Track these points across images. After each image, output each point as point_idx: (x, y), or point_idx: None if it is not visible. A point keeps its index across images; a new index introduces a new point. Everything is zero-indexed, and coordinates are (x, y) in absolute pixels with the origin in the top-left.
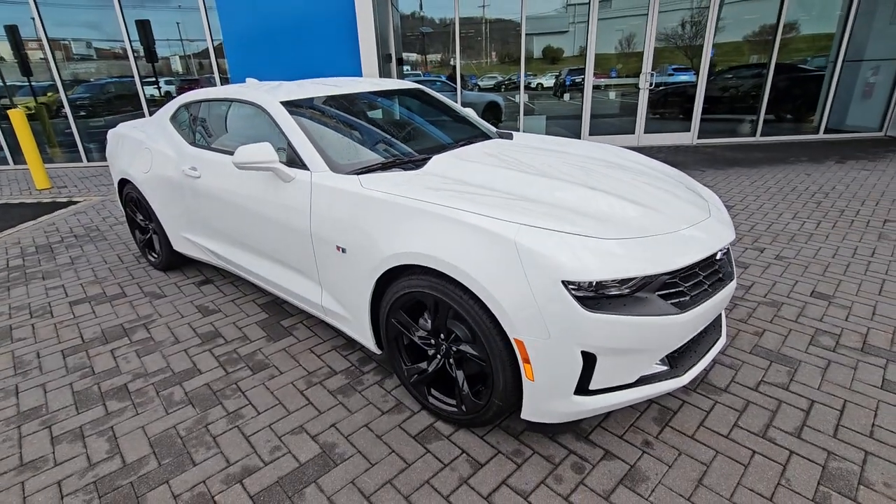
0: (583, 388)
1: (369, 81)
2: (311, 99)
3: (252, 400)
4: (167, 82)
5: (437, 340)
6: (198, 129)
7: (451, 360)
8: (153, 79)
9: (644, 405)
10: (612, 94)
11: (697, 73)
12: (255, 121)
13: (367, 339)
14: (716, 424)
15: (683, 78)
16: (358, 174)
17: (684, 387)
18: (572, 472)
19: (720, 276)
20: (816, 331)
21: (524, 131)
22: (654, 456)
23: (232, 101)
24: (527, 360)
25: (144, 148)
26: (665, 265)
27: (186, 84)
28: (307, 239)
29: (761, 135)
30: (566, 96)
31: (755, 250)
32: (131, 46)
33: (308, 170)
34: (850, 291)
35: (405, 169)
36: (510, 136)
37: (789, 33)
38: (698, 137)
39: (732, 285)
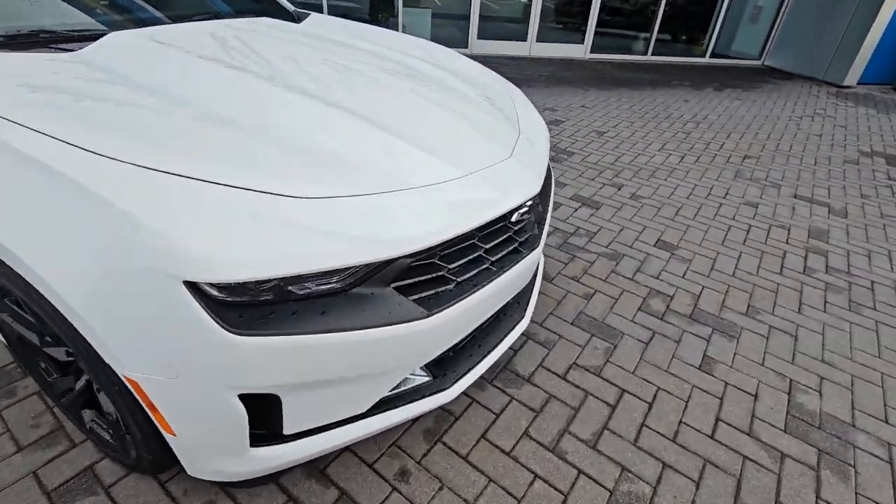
0: (273, 436)
1: None
2: None
3: None
4: None
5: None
6: None
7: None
8: None
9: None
10: None
11: None
12: None
13: None
14: (498, 438)
15: None
16: None
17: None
18: None
19: (517, 244)
20: (650, 291)
21: (404, 26)
22: (404, 495)
23: None
24: (153, 408)
25: None
26: (406, 242)
27: None
28: None
29: (653, 54)
30: None
31: (613, 187)
32: None
33: None
34: (695, 240)
35: (55, 50)
36: (296, 19)
37: None
38: (591, 52)
39: (535, 256)
